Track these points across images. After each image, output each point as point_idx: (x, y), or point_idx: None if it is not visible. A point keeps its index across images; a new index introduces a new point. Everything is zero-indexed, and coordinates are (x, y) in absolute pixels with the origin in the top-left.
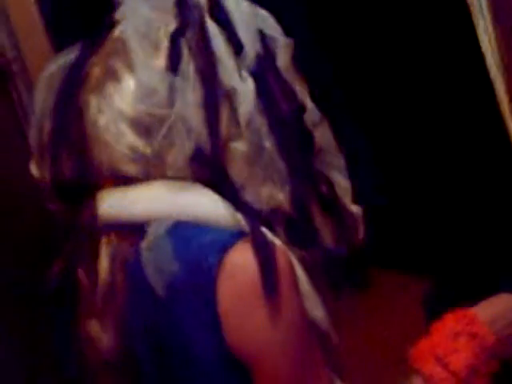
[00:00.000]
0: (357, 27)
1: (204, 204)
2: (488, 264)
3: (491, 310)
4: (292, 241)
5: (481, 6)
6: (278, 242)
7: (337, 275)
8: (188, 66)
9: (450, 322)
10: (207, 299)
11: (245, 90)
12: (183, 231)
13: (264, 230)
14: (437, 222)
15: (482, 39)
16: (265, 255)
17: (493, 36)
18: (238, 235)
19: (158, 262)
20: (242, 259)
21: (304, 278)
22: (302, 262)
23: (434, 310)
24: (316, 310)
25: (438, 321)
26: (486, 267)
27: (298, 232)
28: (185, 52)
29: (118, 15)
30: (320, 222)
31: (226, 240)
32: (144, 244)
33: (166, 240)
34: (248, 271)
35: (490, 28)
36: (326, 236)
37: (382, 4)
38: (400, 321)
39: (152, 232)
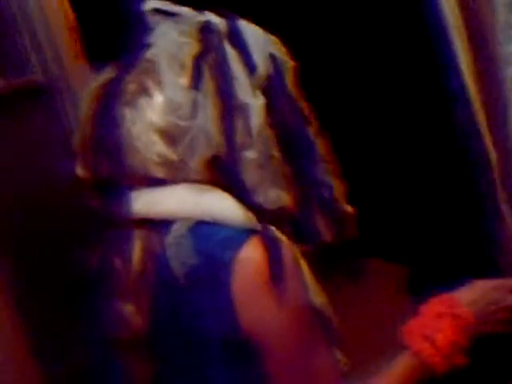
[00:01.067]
0: (318, 28)
1: (221, 205)
2: (459, 252)
3: (470, 294)
4: (296, 236)
5: None
6: (284, 238)
7: (334, 265)
8: (209, 84)
9: (436, 305)
10: (224, 287)
11: (256, 105)
12: (203, 229)
13: (272, 227)
14: (415, 219)
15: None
16: (273, 250)
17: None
18: (250, 233)
19: (181, 256)
20: (254, 253)
21: (306, 270)
22: (305, 255)
23: (418, 294)
24: (318, 297)
25: (425, 304)
26: (458, 255)
27: (301, 229)
28: (206, 72)
29: (150, 38)
30: (319, 220)
31: (240, 237)
32: (169, 239)
33: (188, 237)
34: (259, 264)
35: None
36: (325, 232)
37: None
38: (389, 303)
39: (176, 229)
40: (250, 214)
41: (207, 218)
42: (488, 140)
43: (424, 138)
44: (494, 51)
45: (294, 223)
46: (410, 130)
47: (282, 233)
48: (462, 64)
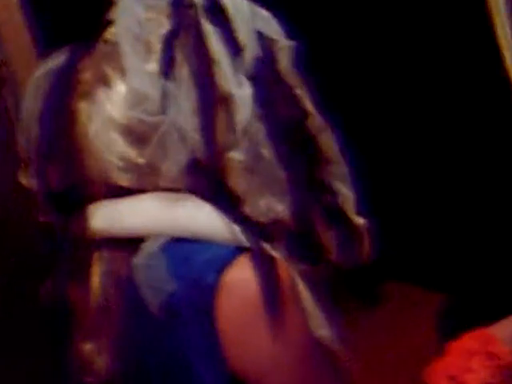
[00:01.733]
0: (359, 24)
1: (200, 218)
2: (505, 284)
3: (509, 330)
4: (294, 255)
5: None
6: (278, 256)
7: (344, 291)
8: (182, 69)
9: (467, 342)
10: (207, 321)
11: (242, 95)
12: (179, 248)
13: (264, 244)
14: (452, 235)
15: (500, 36)
16: (265, 271)
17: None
18: (236, 251)
19: (153, 282)
20: (241, 277)
21: (307, 295)
22: (306, 277)
23: (449, 329)
24: (322, 328)
25: (454, 341)
26: (503, 287)
27: (301, 246)
28: (179, 55)
29: (111, 15)
30: (324, 234)
31: (224, 257)
32: (137, 261)
33: (161, 258)
34: (248, 289)
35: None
36: (331, 250)
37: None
38: (413, 338)
39: (146, 248)
40: (237, 228)
41: (184, 234)
42: None
43: (462, 142)
44: None
45: (291, 238)
46: (445, 128)
47: (277, 250)
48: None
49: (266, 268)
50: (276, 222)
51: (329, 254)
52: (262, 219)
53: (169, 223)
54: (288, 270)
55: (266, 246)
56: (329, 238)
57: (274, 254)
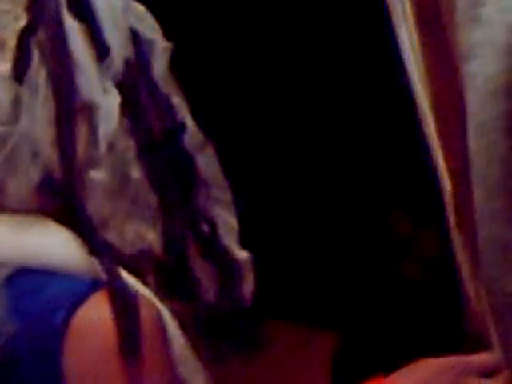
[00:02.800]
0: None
1: (52, 245)
2: (404, 322)
3: (413, 377)
4: (165, 291)
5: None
6: (144, 292)
7: (221, 334)
8: (38, 72)
9: None
10: (53, 369)
11: (108, 104)
12: (25, 281)
13: (126, 277)
14: (342, 266)
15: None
16: (125, 308)
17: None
18: (92, 285)
19: None
20: (95, 316)
21: (179, 339)
22: (178, 317)
23: (342, 375)
24: (195, 378)
25: None
26: (402, 325)
27: (172, 280)
28: (35, 55)
29: None
30: (200, 268)
31: (77, 291)
32: None
33: (3, 292)
34: (102, 330)
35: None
36: (207, 286)
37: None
38: None
39: None
40: (95, 259)
41: (33, 263)
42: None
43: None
44: (450, 40)
45: (162, 271)
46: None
47: (143, 285)
48: (407, 56)
49: (126, 305)
50: (144, 252)
51: (204, 292)
52: (128, 248)
53: (15, 251)
54: (153, 310)
55: (130, 281)
56: (205, 274)
57: (139, 289)
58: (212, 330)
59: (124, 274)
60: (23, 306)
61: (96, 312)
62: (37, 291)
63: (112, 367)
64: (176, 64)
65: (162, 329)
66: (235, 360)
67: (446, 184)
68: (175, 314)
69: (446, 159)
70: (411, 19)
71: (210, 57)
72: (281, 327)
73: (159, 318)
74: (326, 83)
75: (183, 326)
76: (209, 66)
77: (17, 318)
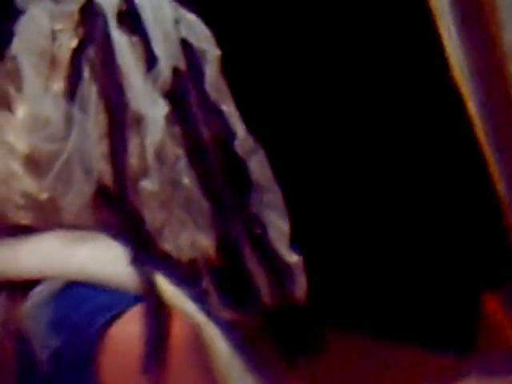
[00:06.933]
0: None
1: (103, 260)
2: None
3: None
4: (224, 299)
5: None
6: (185, 306)
7: (281, 341)
8: (89, 89)
9: None
10: (88, 378)
11: (154, 115)
12: (71, 294)
13: (168, 291)
14: (396, 272)
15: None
16: (154, 326)
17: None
18: (133, 300)
19: (41, 332)
20: (127, 331)
21: (227, 354)
22: (236, 329)
23: None
24: None
25: None
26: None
27: (229, 285)
28: (86, 72)
29: (16, 26)
30: (254, 272)
31: (117, 305)
32: (28, 308)
33: (51, 305)
34: (131, 347)
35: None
36: (263, 289)
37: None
38: None
39: (37, 294)
40: (138, 273)
41: (82, 278)
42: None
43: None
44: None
45: (220, 278)
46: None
47: (202, 293)
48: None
49: (156, 323)
50: (200, 259)
51: (260, 295)
52: (185, 256)
53: (67, 265)
54: (187, 327)
55: (171, 294)
56: (260, 277)
57: (180, 304)
58: (265, 340)
59: (167, 287)
60: (67, 319)
61: (129, 327)
62: (80, 304)
63: (138, 376)
64: (227, 71)
65: (197, 345)
66: (290, 370)
67: None
68: (238, 325)
69: None
70: (454, 20)
71: (261, 63)
72: (340, 335)
73: (194, 334)
74: (375, 87)
75: (250, 338)
76: (260, 72)
77: (60, 329)
